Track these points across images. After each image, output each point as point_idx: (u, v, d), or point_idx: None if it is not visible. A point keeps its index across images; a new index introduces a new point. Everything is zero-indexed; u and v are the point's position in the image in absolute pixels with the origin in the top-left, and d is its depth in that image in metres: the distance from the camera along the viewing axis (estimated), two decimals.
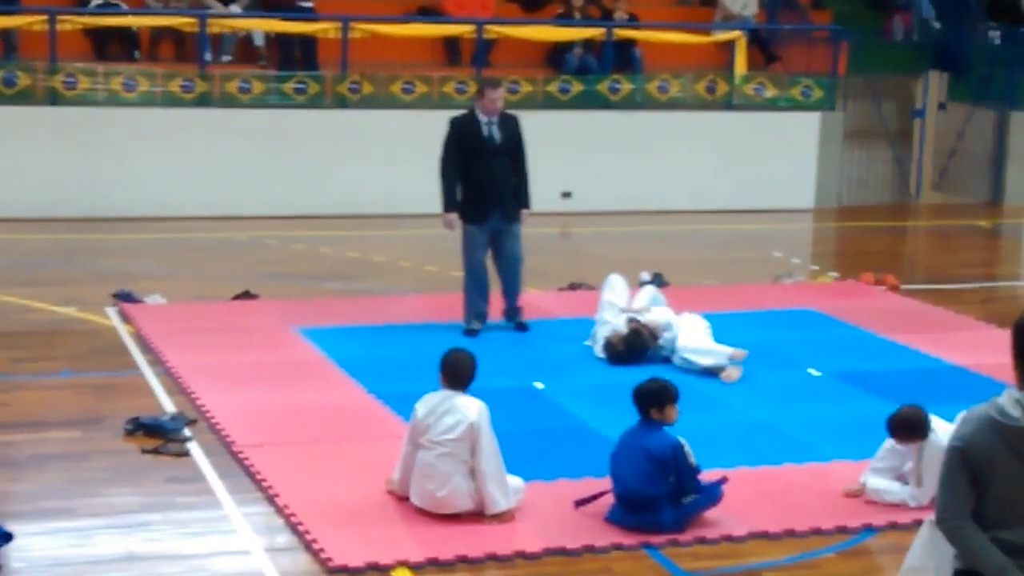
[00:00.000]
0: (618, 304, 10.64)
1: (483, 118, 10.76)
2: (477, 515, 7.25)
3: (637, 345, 10.23)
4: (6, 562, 6.69)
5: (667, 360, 10.22)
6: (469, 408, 7.22)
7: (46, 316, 11.44)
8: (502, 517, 7.24)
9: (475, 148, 10.70)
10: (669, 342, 10.28)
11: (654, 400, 7.25)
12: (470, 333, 10.94)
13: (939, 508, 4.43)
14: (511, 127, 10.87)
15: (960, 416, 4.57)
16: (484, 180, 10.73)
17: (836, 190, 18.55)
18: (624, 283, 10.93)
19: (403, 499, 7.44)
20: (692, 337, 10.18)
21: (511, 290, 11.14)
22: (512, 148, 10.86)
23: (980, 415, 4.39)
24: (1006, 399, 4.33)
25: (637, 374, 9.25)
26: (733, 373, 9.93)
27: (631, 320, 10.37)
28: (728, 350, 10.06)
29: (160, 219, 15.68)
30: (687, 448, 7.19)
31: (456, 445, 7.20)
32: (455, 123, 10.89)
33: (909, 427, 7.42)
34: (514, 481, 7.38)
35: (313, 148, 16.37)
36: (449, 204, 10.83)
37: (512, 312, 11.17)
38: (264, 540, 7.08)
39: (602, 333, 10.47)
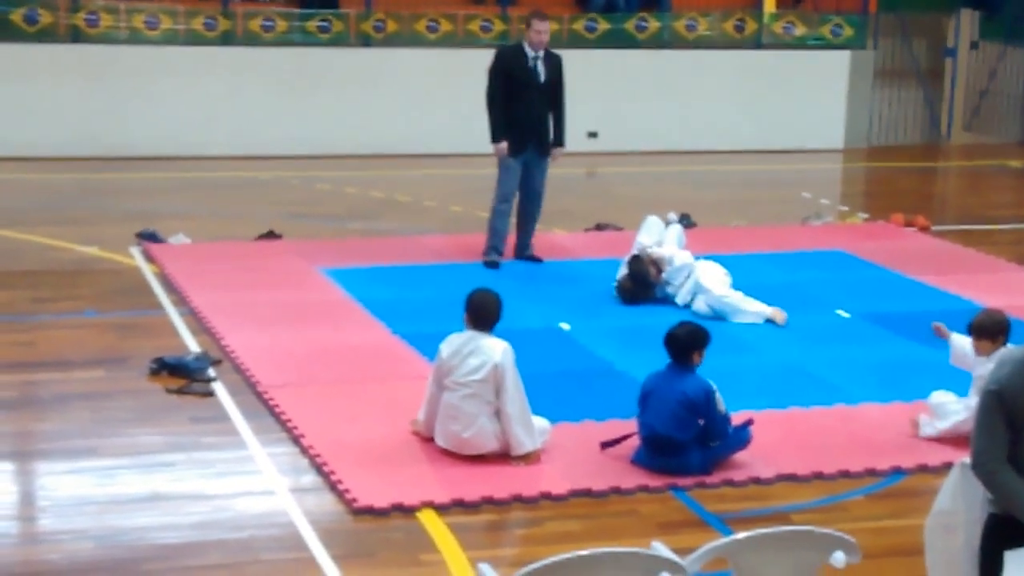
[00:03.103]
0: (647, 245, 10.54)
1: (530, 52, 10.91)
2: (503, 456, 7.20)
3: (636, 273, 10.17)
4: None
5: (672, 301, 10.10)
6: (494, 349, 7.15)
7: (69, 255, 11.41)
8: (528, 458, 7.20)
9: (519, 80, 10.86)
10: (672, 276, 10.18)
11: (696, 343, 7.17)
12: (491, 265, 11.05)
13: (975, 452, 4.34)
14: (555, 65, 11.03)
15: (996, 358, 4.47)
16: (524, 113, 10.89)
17: (866, 130, 18.34)
18: (660, 224, 10.84)
19: (428, 440, 7.40)
20: (718, 286, 10.03)
21: (526, 225, 11.29)
22: (553, 86, 10.99)
23: (1017, 357, 4.29)
24: None
25: (663, 316, 9.20)
26: (779, 316, 9.85)
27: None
28: (767, 310, 9.91)
29: (183, 158, 15.60)
30: (718, 395, 7.12)
31: (481, 386, 7.14)
32: (502, 54, 11.08)
33: (988, 331, 7.25)
34: (540, 422, 7.33)
35: (337, 87, 16.24)
36: (498, 134, 10.92)
37: (524, 246, 11.29)
38: (289, 480, 7.05)
39: (619, 275, 10.42)
